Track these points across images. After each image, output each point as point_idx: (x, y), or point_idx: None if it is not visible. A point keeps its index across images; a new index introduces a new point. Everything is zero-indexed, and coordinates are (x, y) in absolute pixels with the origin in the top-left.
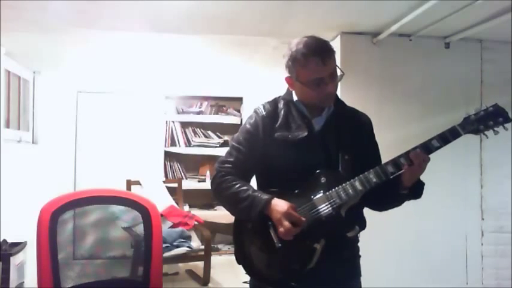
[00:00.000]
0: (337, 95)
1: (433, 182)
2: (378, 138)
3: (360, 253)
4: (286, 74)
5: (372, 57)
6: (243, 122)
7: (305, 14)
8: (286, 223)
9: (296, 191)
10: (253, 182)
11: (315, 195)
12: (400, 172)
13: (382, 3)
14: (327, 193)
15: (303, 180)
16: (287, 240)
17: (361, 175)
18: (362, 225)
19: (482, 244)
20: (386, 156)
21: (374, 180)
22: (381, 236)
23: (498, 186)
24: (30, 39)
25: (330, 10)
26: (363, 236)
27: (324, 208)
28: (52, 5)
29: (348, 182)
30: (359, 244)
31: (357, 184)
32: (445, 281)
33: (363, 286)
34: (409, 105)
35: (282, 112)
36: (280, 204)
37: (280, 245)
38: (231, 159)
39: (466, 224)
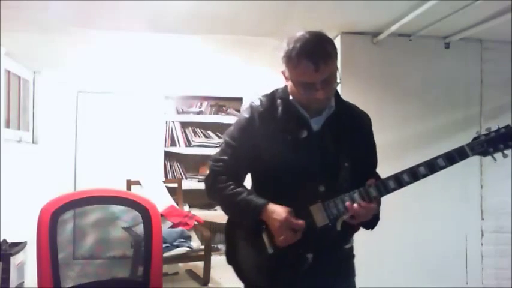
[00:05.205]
0: (338, 94)
1: (433, 182)
2: (378, 138)
3: (359, 253)
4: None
5: (372, 57)
6: (238, 116)
7: (305, 14)
8: (287, 232)
9: (292, 196)
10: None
11: (312, 204)
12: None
13: (382, 3)
14: (325, 203)
15: (299, 184)
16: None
17: (361, 188)
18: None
19: (482, 244)
20: (385, 156)
21: (374, 194)
22: (381, 236)
23: (498, 186)
24: (30, 39)
25: (330, 10)
26: (363, 236)
27: (320, 219)
28: (52, 5)
29: (347, 194)
30: (353, 244)
31: (356, 196)
32: (445, 281)
33: (363, 286)
34: (409, 105)
35: (280, 109)
36: (277, 211)
37: (272, 251)
38: (225, 157)
39: (466, 224)
